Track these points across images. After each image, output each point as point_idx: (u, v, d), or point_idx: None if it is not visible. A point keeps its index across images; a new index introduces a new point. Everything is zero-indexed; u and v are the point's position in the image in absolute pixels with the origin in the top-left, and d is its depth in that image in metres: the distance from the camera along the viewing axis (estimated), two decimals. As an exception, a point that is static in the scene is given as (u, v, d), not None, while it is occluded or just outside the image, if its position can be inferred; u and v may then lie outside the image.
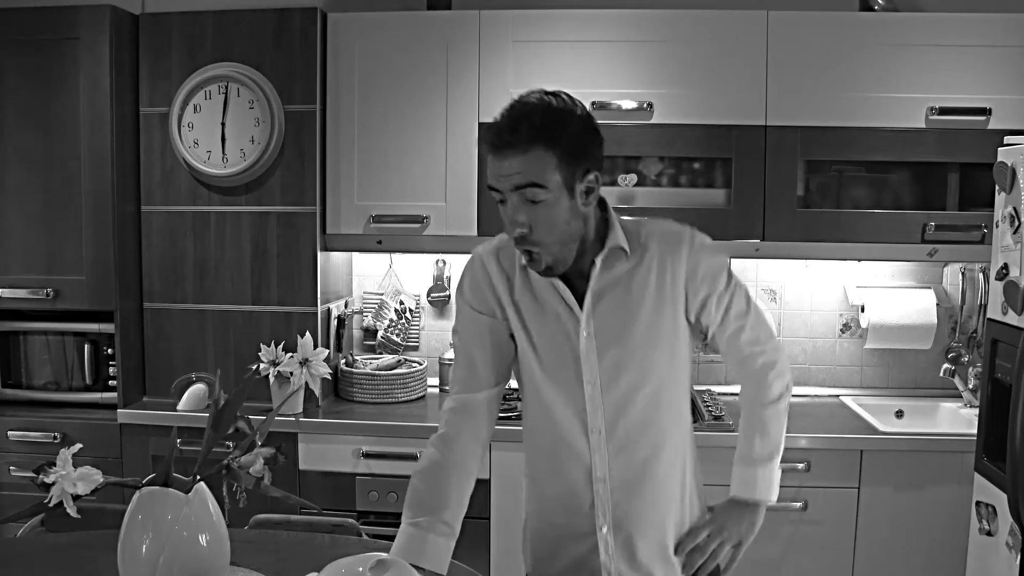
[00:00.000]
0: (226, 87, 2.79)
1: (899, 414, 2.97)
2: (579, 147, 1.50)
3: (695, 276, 1.62)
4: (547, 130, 1.47)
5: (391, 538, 1.63)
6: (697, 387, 3.11)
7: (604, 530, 1.63)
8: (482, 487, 2.65)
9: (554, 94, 1.52)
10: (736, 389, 3.14)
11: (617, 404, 1.61)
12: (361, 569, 1.40)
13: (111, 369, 2.88)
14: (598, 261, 1.59)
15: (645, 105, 2.75)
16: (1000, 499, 2.12)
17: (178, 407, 2.82)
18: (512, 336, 1.67)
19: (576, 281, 1.61)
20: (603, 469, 1.62)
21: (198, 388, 2.84)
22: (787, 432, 2.68)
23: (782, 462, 2.60)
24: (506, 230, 1.56)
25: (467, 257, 1.74)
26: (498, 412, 1.72)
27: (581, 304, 1.60)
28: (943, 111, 2.68)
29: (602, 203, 1.63)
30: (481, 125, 2.78)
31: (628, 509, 1.63)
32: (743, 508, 1.72)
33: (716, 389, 3.12)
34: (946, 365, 2.99)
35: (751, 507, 1.72)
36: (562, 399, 1.63)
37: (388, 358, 3.11)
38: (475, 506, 2.66)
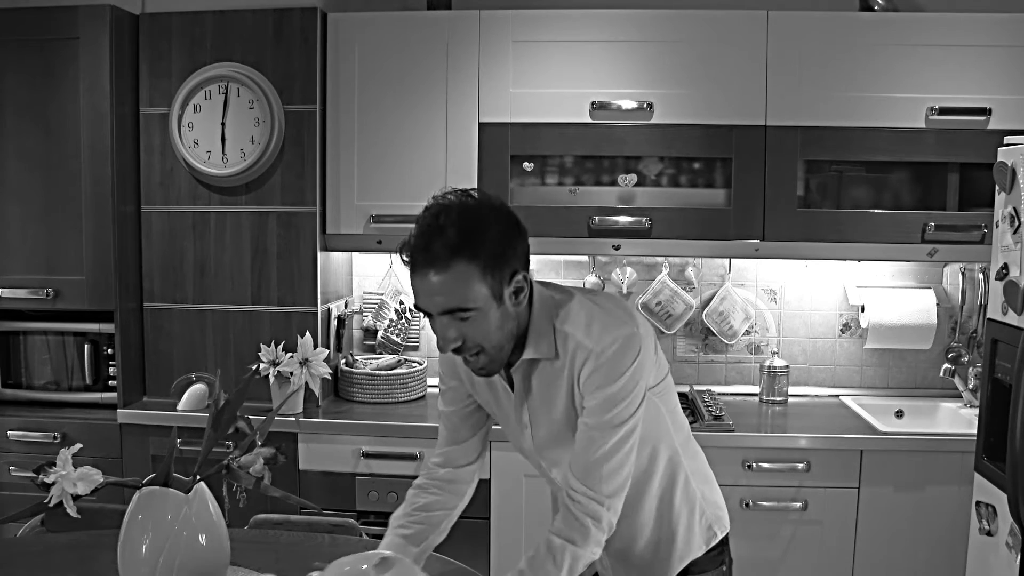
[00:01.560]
0: (226, 87, 2.79)
1: (899, 414, 2.97)
2: (501, 250, 1.42)
3: (586, 384, 1.51)
4: (465, 242, 1.39)
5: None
6: (697, 387, 3.11)
7: None
8: (482, 487, 2.65)
9: (468, 194, 1.44)
10: (736, 389, 3.17)
11: (562, 467, 1.63)
12: (365, 567, 1.40)
13: (111, 369, 2.88)
14: (516, 373, 1.58)
15: (645, 105, 2.75)
16: (1000, 499, 2.12)
17: (178, 407, 2.82)
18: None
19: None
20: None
21: (198, 388, 2.84)
22: (788, 432, 2.71)
23: (781, 461, 2.62)
24: (438, 344, 1.50)
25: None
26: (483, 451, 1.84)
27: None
28: (943, 111, 2.68)
29: (529, 296, 1.53)
30: (481, 125, 2.78)
31: (615, 532, 1.59)
32: None
33: (716, 389, 3.13)
34: (946, 365, 2.99)
35: None
36: (522, 451, 1.74)
37: (388, 358, 3.11)
38: (475, 506, 2.66)
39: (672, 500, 1.69)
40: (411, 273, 1.44)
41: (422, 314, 1.49)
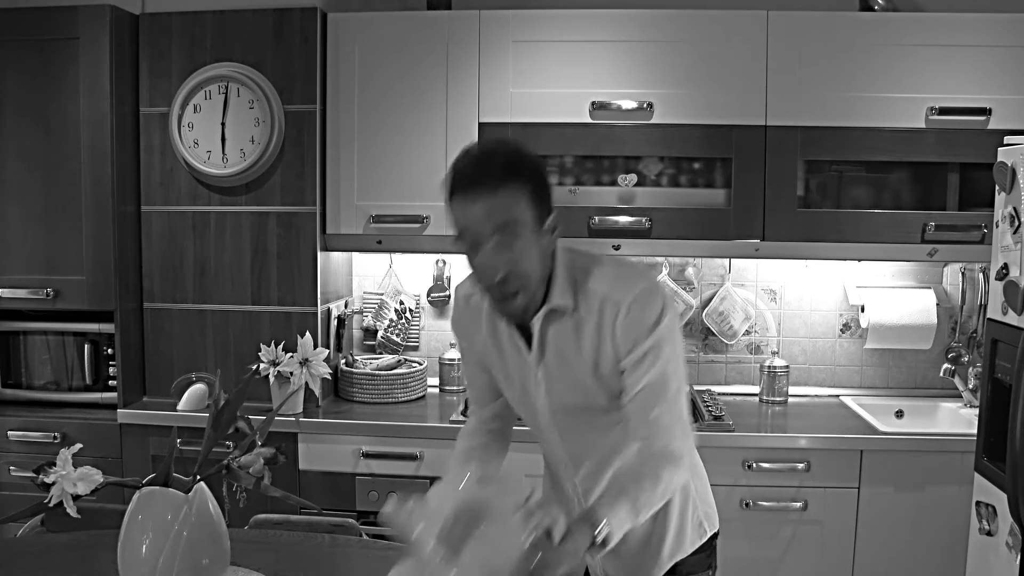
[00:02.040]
0: (226, 87, 2.79)
1: (899, 414, 2.97)
2: (544, 182, 1.50)
3: (625, 331, 1.52)
4: (516, 166, 1.45)
5: (391, 538, 1.63)
6: (697, 387, 3.11)
7: None
8: (482, 487, 2.66)
9: (506, 140, 1.51)
10: (736, 389, 3.17)
11: (576, 439, 1.64)
12: (465, 482, 1.39)
13: (111, 369, 2.88)
14: (535, 322, 1.55)
15: (645, 105, 2.75)
16: (1000, 499, 2.12)
17: (178, 407, 2.82)
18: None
19: (529, 332, 1.60)
20: (574, 480, 1.70)
21: (198, 388, 2.84)
22: (788, 432, 2.71)
23: (781, 461, 2.62)
24: (480, 279, 1.50)
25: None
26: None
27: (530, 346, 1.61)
28: (943, 111, 2.68)
29: (554, 254, 1.57)
30: (481, 125, 2.78)
31: None
32: (583, 526, 1.36)
33: (716, 389, 3.13)
34: (946, 365, 2.99)
35: (587, 528, 1.36)
36: (533, 426, 1.72)
37: (388, 358, 3.11)
38: (475, 506, 2.67)
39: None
40: (458, 198, 1.45)
41: (462, 245, 1.48)
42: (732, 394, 3.12)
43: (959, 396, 2.99)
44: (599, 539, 1.33)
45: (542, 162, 1.54)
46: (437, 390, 3.11)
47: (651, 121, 2.75)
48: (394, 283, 3.21)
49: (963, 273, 3.06)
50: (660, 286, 1.58)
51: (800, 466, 2.59)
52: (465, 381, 1.84)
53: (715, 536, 1.79)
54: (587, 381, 1.57)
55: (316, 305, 2.86)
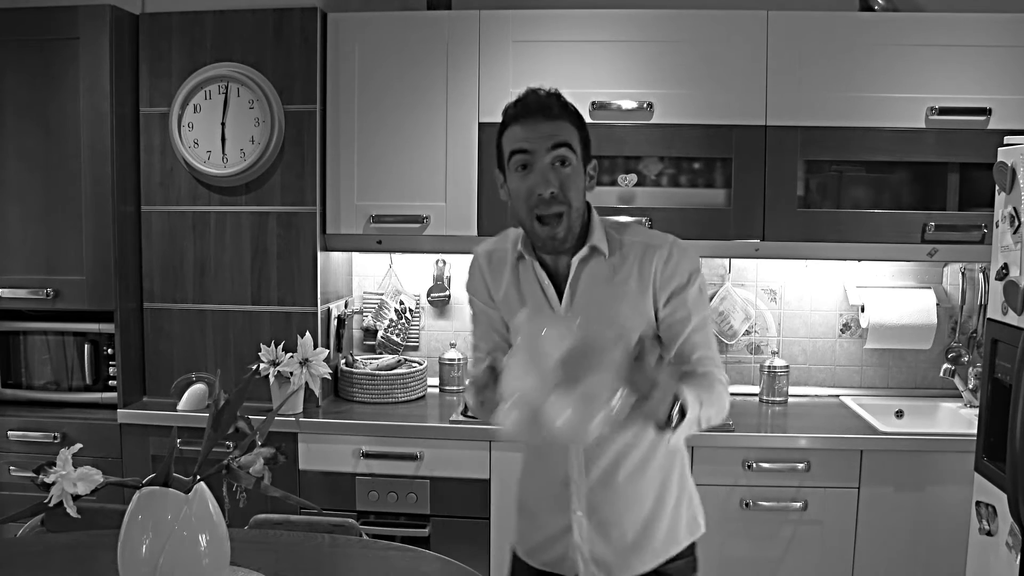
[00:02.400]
0: (226, 87, 2.79)
1: (899, 414, 2.97)
2: (588, 136, 1.69)
3: (667, 274, 1.66)
4: (572, 109, 1.66)
5: (391, 538, 1.64)
6: (697, 387, 3.11)
7: (579, 513, 1.72)
8: (482, 487, 2.66)
9: None
10: (736, 389, 3.16)
11: None
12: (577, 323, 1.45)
13: (111, 369, 2.88)
14: (575, 261, 1.67)
15: (645, 105, 2.75)
16: (1000, 499, 2.12)
17: (178, 407, 2.82)
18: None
19: (559, 278, 1.70)
20: (579, 458, 1.70)
21: (198, 388, 2.84)
22: (788, 432, 2.71)
23: (781, 461, 2.62)
24: (526, 197, 1.61)
25: (467, 257, 1.84)
26: None
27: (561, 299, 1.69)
28: (943, 111, 2.68)
29: (588, 206, 1.72)
30: (481, 125, 2.78)
31: (603, 497, 1.71)
32: (671, 390, 1.49)
33: (716, 389, 3.12)
34: (946, 365, 2.99)
35: (673, 384, 1.50)
36: None
37: (388, 358, 3.11)
38: (475, 506, 2.68)
39: (669, 482, 1.75)
40: (521, 120, 1.62)
41: (520, 160, 1.62)
42: (732, 394, 3.06)
43: (959, 396, 2.99)
44: (679, 404, 1.47)
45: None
46: (437, 390, 3.11)
47: (651, 121, 2.76)
48: (394, 283, 3.21)
49: (963, 273, 3.06)
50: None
51: (800, 466, 2.59)
52: (472, 347, 1.88)
53: (695, 545, 1.82)
54: (615, 325, 1.64)
55: (316, 305, 2.86)
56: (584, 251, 1.67)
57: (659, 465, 1.74)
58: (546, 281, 1.69)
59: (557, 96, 1.65)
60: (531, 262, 1.70)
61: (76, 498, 1.40)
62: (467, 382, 1.76)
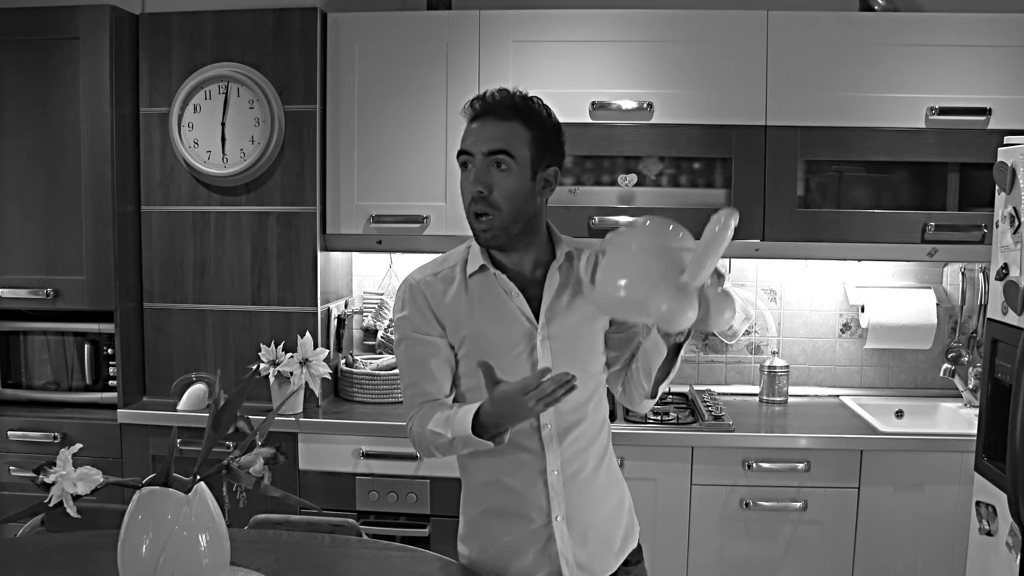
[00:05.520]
0: (226, 87, 2.79)
1: (899, 414, 2.97)
2: (549, 139, 1.65)
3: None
4: (528, 110, 1.62)
5: (391, 538, 1.64)
6: (697, 387, 3.11)
7: (559, 519, 1.69)
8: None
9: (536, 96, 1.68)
10: (736, 389, 3.17)
11: (568, 402, 1.62)
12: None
13: (111, 369, 2.88)
14: (554, 267, 1.69)
15: (645, 105, 2.75)
16: (1000, 499, 2.12)
17: (178, 407, 2.82)
18: (453, 348, 1.70)
19: (530, 291, 1.69)
20: (555, 463, 1.68)
21: (198, 388, 2.84)
22: (788, 432, 2.71)
23: (781, 461, 2.62)
24: (464, 193, 1.64)
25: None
26: None
27: (536, 312, 1.68)
28: (943, 111, 2.68)
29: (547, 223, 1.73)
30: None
31: (580, 499, 1.70)
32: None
33: (716, 389, 3.13)
34: (946, 365, 2.99)
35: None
36: None
37: (388, 358, 3.10)
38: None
39: (612, 467, 1.80)
40: (472, 119, 1.63)
41: (462, 160, 1.64)
42: (732, 394, 3.12)
43: (959, 396, 2.99)
44: None
45: (557, 122, 1.68)
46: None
47: (651, 121, 2.76)
48: (394, 283, 3.20)
49: (963, 273, 3.06)
50: None
51: (800, 466, 2.59)
52: (410, 390, 1.72)
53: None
54: (582, 329, 1.70)
55: (316, 305, 2.86)
56: (560, 259, 1.70)
57: (608, 456, 1.78)
58: (514, 289, 1.67)
59: (512, 97, 1.63)
60: (493, 273, 1.67)
61: (76, 498, 1.40)
62: (433, 429, 1.63)
